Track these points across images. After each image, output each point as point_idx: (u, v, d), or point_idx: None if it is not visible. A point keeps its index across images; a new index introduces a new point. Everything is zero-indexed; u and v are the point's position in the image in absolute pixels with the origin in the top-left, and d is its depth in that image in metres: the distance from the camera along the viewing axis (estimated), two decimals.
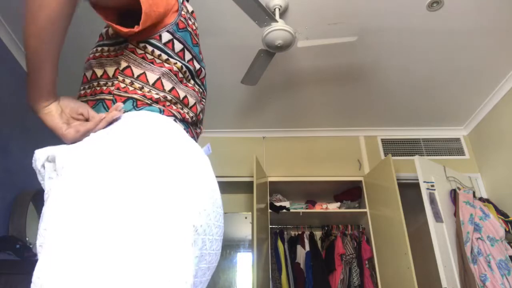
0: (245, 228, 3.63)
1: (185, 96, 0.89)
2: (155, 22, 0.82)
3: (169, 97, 0.84)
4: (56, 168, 0.69)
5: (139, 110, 0.80)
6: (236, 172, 3.60)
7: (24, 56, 2.62)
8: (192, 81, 0.93)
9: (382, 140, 3.88)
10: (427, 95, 3.40)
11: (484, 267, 2.63)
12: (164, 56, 0.86)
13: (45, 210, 0.65)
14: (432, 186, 3.01)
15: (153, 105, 0.82)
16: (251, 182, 3.19)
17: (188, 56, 0.91)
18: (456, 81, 3.21)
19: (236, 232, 3.71)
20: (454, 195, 3.07)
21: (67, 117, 0.81)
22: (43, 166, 0.72)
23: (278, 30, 2.31)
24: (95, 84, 0.87)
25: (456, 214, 2.95)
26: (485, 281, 2.58)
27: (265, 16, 2.24)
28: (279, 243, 3.43)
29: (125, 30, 0.80)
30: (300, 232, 3.58)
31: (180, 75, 0.88)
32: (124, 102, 0.81)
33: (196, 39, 0.96)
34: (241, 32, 2.66)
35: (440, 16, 2.56)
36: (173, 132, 0.78)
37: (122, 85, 0.83)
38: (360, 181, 3.62)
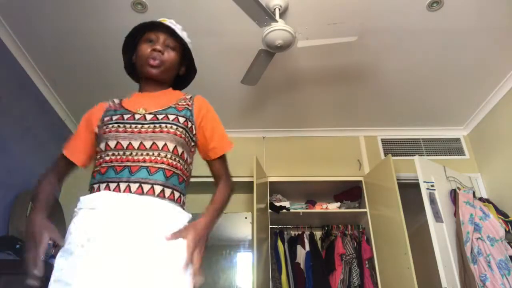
0: (245, 228, 3.62)
1: None
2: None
3: None
4: None
5: None
6: (236, 172, 3.53)
7: (24, 56, 2.60)
8: None
9: (382, 140, 3.88)
10: (427, 95, 3.40)
11: (484, 267, 2.63)
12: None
13: None
14: (432, 186, 3.01)
15: None
16: (251, 182, 3.19)
17: None
18: (456, 81, 3.21)
19: (236, 232, 3.70)
20: (454, 195, 3.07)
21: None
22: None
23: (278, 30, 2.31)
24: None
25: (456, 214, 2.95)
26: (485, 281, 2.58)
27: (265, 16, 2.24)
28: (279, 243, 3.43)
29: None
30: (300, 232, 3.58)
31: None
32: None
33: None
34: (241, 32, 2.66)
35: (440, 16, 2.56)
36: None
37: None
38: (360, 181, 3.62)
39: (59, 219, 3.16)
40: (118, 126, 1.17)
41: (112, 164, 1.11)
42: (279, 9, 2.43)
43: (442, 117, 3.71)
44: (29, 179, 2.99)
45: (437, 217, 2.87)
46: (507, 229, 2.79)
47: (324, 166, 3.71)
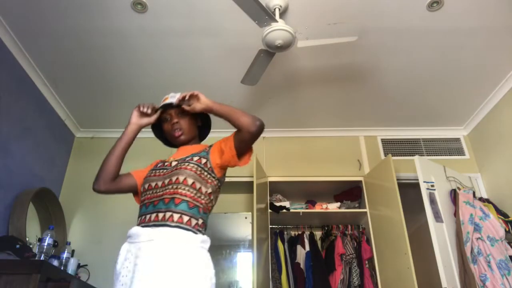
0: (245, 228, 3.63)
1: None
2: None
3: None
4: None
5: None
6: (236, 172, 3.54)
7: (24, 56, 2.62)
8: None
9: (382, 140, 3.88)
10: (427, 95, 3.40)
11: (484, 267, 2.63)
12: None
13: None
14: (432, 186, 3.01)
15: None
16: (251, 182, 3.19)
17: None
18: (456, 81, 3.21)
19: (236, 232, 3.70)
20: (454, 195, 3.07)
21: None
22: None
23: (278, 30, 2.31)
24: None
25: (456, 214, 2.95)
26: (485, 281, 2.58)
27: (265, 16, 2.24)
28: (279, 243, 3.43)
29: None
30: (300, 232, 3.58)
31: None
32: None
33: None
34: (241, 32, 2.66)
35: (440, 16, 2.56)
36: None
37: None
38: (360, 181, 3.61)
39: (59, 219, 3.16)
40: (153, 172, 1.52)
41: (145, 202, 1.44)
42: (279, 9, 2.43)
43: (442, 117, 3.71)
44: (29, 179, 2.99)
45: (437, 217, 2.87)
46: (507, 229, 2.79)
47: (324, 166, 3.72)
